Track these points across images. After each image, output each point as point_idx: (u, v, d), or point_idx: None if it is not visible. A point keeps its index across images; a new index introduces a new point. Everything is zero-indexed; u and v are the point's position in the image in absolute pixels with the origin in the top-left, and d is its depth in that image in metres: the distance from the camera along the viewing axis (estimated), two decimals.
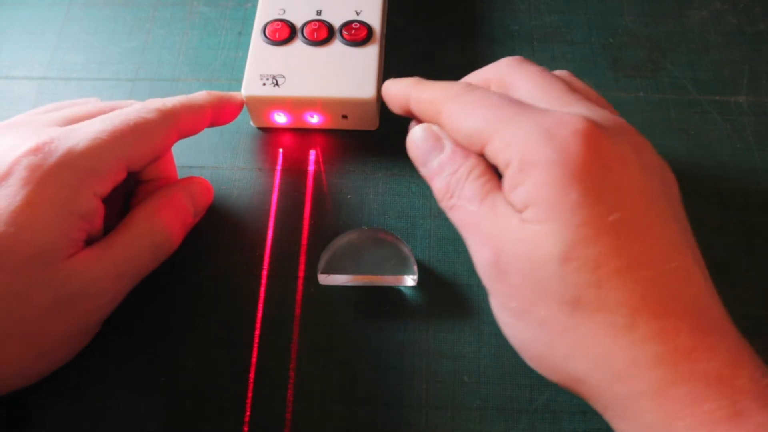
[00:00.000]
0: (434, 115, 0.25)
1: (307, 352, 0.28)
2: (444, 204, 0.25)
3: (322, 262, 0.29)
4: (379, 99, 0.34)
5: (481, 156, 0.24)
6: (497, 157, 0.23)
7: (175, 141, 0.28)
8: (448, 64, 0.36)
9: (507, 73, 0.26)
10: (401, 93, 0.28)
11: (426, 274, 0.30)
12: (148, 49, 0.37)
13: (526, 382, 0.28)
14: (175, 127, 0.28)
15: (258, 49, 0.33)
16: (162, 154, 0.28)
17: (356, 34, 0.33)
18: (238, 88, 0.33)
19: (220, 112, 0.31)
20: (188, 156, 0.33)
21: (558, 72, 0.27)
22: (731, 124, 0.34)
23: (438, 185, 0.25)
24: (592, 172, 0.21)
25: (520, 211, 0.22)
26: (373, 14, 0.34)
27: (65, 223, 0.24)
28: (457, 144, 0.25)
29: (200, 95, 0.30)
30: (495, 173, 0.24)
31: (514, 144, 0.22)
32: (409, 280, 0.29)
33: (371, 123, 0.34)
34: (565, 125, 0.22)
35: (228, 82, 0.36)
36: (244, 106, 0.33)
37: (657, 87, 0.35)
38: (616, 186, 0.21)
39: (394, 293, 0.30)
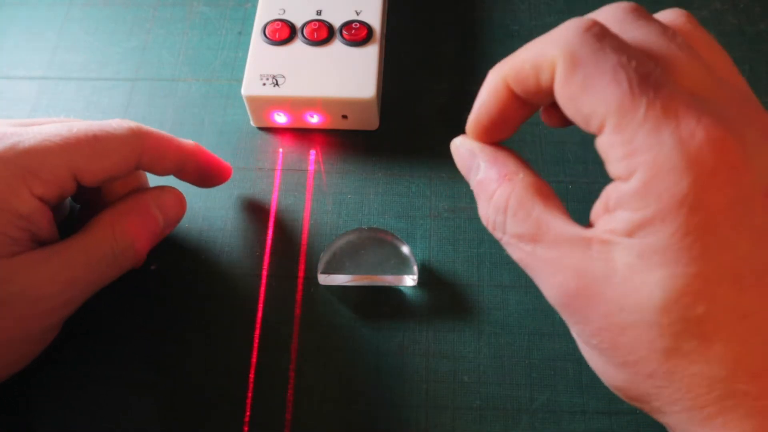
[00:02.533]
0: (547, 79, 0.19)
1: (307, 352, 0.28)
2: (495, 235, 0.21)
3: (322, 262, 0.29)
4: (379, 99, 0.34)
5: (526, 173, 0.21)
6: (612, 160, 0.18)
7: (135, 165, 0.27)
8: (448, 64, 0.36)
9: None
10: (493, 85, 0.21)
11: (426, 274, 0.30)
12: (148, 49, 0.37)
13: (526, 382, 0.28)
14: (138, 148, 0.26)
15: (258, 49, 0.33)
16: (118, 174, 0.26)
17: (356, 34, 0.33)
18: (238, 88, 0.33)
19: (200, 168, 0.29)
20: None
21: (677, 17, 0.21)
22: None
23: (480, 213, 0.22)
24: (731, 214, 0.17)
25: (624, 236, 0.18)
26: (373, 14, 0.34)
27: (2, 220, 0.23)
28: (494, 162, 0.21)
29: (187, 141, 0.29)
30: (545, 187, 0.21)
31: (640, 153, 0.17)
32: (409, 280, 0.29)
33: (371, 123, 0.34)
34: (711, 143, 0.17)
35: (228, 82, 0.36)
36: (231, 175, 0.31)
37: None
38: (755, 230, 0.17)
39: (394, 293, 0.30)
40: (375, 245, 0.29)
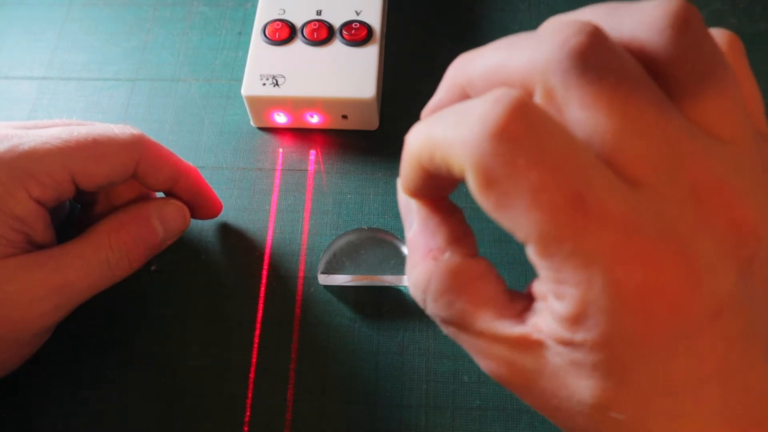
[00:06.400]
0: (458, 174, 0.16)
1: (307, 352, 0.28)
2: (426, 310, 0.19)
3: (322, 262, 0.29)
4: (379, 99, 0.34)
5: (455, 251, 0.18)
6: (542, 273, 0.16)
7: (132, 172, 0.27)
8: (448, 64, 0.36)
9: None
10: (408, 158, 0.18)
11: None
12: (148, 49, 0.37)
13: None
14: (136, 155, 0.26)
15: (258, 49, 0.33)
16: (117, 180, 0.26)
17: (356, 34, 0.33)
18: (238, 88, 0.33)
19: (193, 191, 0.29)
20: (188, 156, 0.33)
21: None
22: None
23: (409, 283, 0.19)
24: (666, 344, 0.15)
25: (558, 343, 0.16)
26: (373, 14, 0.34)
27: None
28: (423, 229, 0.19)
29: (188, 164, 0.29)
30: (474, 270, 0.18)
31: (567, 288, 0.15)
32: None
33: (371, 123, 0.34)
34: (647, 285, 0.15)
35: (228, 82, 0.36)
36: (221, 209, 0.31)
37: None
38: (690, 352, 0.15)
39: (394, 293, 0.30)
40: (375, 245, 0.29)
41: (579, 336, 0.16)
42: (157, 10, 0.39)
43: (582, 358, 0.16)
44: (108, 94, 0.36)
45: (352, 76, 0.32)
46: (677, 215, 0.15)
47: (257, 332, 0.29)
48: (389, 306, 0.29)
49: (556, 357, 0.16)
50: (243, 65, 0.34)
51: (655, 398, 0.16)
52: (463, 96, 0.19)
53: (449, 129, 0.16)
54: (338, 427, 0.27)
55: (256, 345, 0.29)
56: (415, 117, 0.37)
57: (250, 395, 0.28)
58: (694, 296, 0.15)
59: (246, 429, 0.27)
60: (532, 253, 0.15)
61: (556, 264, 0.15)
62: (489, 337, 0.17)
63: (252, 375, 0.28)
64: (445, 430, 0.27)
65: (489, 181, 0.15)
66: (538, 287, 0.17)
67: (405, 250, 0.29)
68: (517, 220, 0.15)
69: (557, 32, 0.15)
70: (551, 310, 0.16)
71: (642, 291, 0.15)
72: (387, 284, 0.30)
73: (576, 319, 0.15)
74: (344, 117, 0.33)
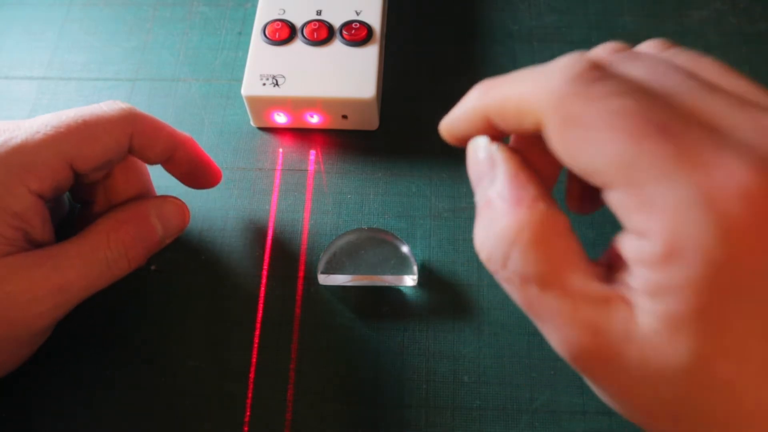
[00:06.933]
0: (532, 125, 0.17)
1: (307, 352, 0.28)
2: (490, 269, 0.18)
3: (322, 262, 0.29)
4: (379, 99, 0.34)
5: (549, 203, 0.18)
6: (625, 216, 0.16)
7: (127, 147, 0.26)
8: (448, 64, 0.36)
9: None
10: (471, 109, 0.19)
11: (426, 274, 0.30)
12: (148, 49, 0.37)
13: (526, 382, 0.28)
14: (129, 129, 0.26)
15: (258, 49, 0.33)
16: (114, 157, 0.26)
17: (356, 34, 0.33)
18: (238, 88, 0.33)
19: (191, 160, 0.29)
20: None
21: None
22: None
23: (476, 235, 0.18)
24: (763, 270, 0.14)
25: (649, 297, 0.16)
26: (373, 14, 0.34)
27: None
28: (514, 179, 0.18)
29: (184, 133, 0.28)
30: (565, 224, 0.17)
31: (655, 213, 0.15)
32: (409, 280, 0.29)
33: (371, 123, 0.34)
34: (743, 196, 0.14)
35: (228, 82, 0.36)
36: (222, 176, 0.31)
37: None
38: None
39: (394, 293, 0.30)
40: (375, 245, 0.29)
41: (673, 276, 0.15)
42: (157, 10, 0.39)
43: (677, 307, 0.15)
44: (108, 94, 0.36)
45: (352, 76, 0.32)
46: (757, 136, 0.15)
47: (257, 332, 0.29)
48: (389, 306, 0.29)
49: (648, 317, 0.15)
50: (243, 65, 0.34)
51: (756, 350, 0.15)
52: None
53: (527, 83, 0.17)
54: (338, 427, 0.27)
55: (256, 345, 0.29)
56: (415, 117, 0.37)
57: (250, 395, 0.28)
58: None
59: (246, 429, 0.27)
60: (615, 191, 0.15)
61: (641, 191, 0.15)
62: (577, 296, 0.17)
63: (252, 375, 0.28)
64: (445, 430, 0.27)
65: (568, 121, 0.16)
66: (621, 242, 0.16)
67: (405, 250, 0.29)
68: (600, 153, 0.15)
69: (562, 61, 0.17)
70: (640, 258, 0.15)
71: (734, 203, 0.14)
72: (387, 284, 0.30)
73: (669, 255, 0.15)
74: (344, 117, 0.33)
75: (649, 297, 0.15)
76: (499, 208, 0.18)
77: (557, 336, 0.17)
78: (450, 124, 0.20)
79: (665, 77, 0.17)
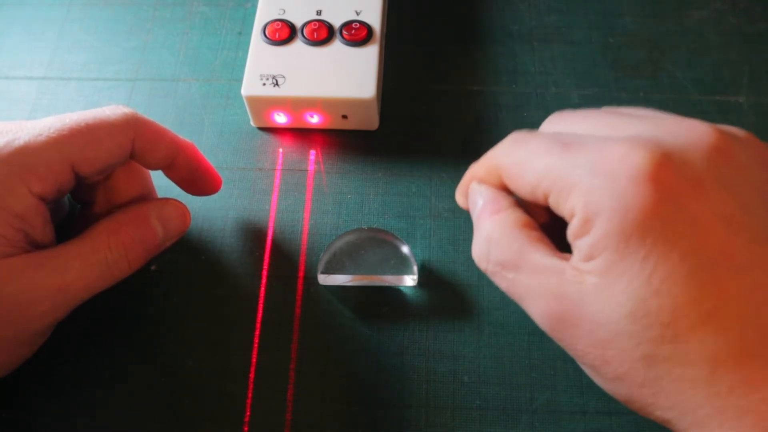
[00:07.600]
0: (498, 181, 0.24)
1: (307, 352, 0.28)
2: (480, 268, 0.24)
3: (322, 262, 0.29)
4: (379, 99, 0.34)
5: (514, 209, 0.23)
6: (560, 210, 0.21)
7: (129, 151, 0.26)
8: (448, 64, 0.36)
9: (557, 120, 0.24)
10: (467, 183, 0.26)
11: (426, 274, 0.30)
12: (148, 49, 0.37)
13: (526, 382, 0.28)
14: (131, 133, 0.26)
15: (258, 49, 0.33)
16: (116, 161, 0.26)
17: (356, 34, 0.33)
18: (238, 88, 0.33)
19: (191, 166, 0.29)
20: None
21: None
22: (731, 125, 0.34)
23: (473, 248, 0.24)
24: (661, 212, 0.19)
25: (585, 262, 0.20)
26: (373, 14, 0.34)
27: None
28: (490, 199, 0.24)
29: (185, 139, 0.29)
30: (529, 222, 0.23)
31: (572, 194, 0.20)
32: (409, 280, 0.29)
33: (371, 123, 0.34)
34: (622, 160, 0.19)
35: (228, 82, 0.36)
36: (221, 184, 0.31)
37: (657, 87, 0.35)
38: (692, 220, 0.19)
39: (394, 293, 0.30)
40: (375, 245, 0.29)
41: (594, 235, 0.19)
42: (157, 10, 0.39)
43: (605, 258, 0.19)
44: (108, 94, 0.36)
45: (352, 76, 0.32)
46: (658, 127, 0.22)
47: (257, 332, 0.29)
48: (389, 306, 0.29)
49: (591, 275, 0.20)
50: (243, 65, 0.34)
51: (681, 286, 0.18)
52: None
53: (486, 158, 0.25)
54: (338, 427, 0.27)
55: (256, 345, 0.29)
56: (415, 117, 0.37)
57: (250, 395, 0.28)
58: (667, 164, 0.19)
59: (246, 429, 0.27)
60: (551, 199, 0.21)
61: (564, 186, 0.21)
62: (541, 271, 0.21)
63: (252, 375, 0.28)
64: (445, 430, 0.27)
65: (514, 165, 0.23)
66: (567, 232, 0.21)
67: (405, 250, 0.29)
68: (532, 174, 0.22)
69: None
70: (574, 233, 0.20)
71: (632, 176, 0.19)
72: (387, 284, 0.30)
73: (588, 221, 0.20)
74: (344, 117, 0.33)
75: (587, 260, 0.20)
76: (483, 219, 0.24)
77: (534, 310, 0.22)
78: (472, 187, 0.26)
79: (585, 120, 0.23)
